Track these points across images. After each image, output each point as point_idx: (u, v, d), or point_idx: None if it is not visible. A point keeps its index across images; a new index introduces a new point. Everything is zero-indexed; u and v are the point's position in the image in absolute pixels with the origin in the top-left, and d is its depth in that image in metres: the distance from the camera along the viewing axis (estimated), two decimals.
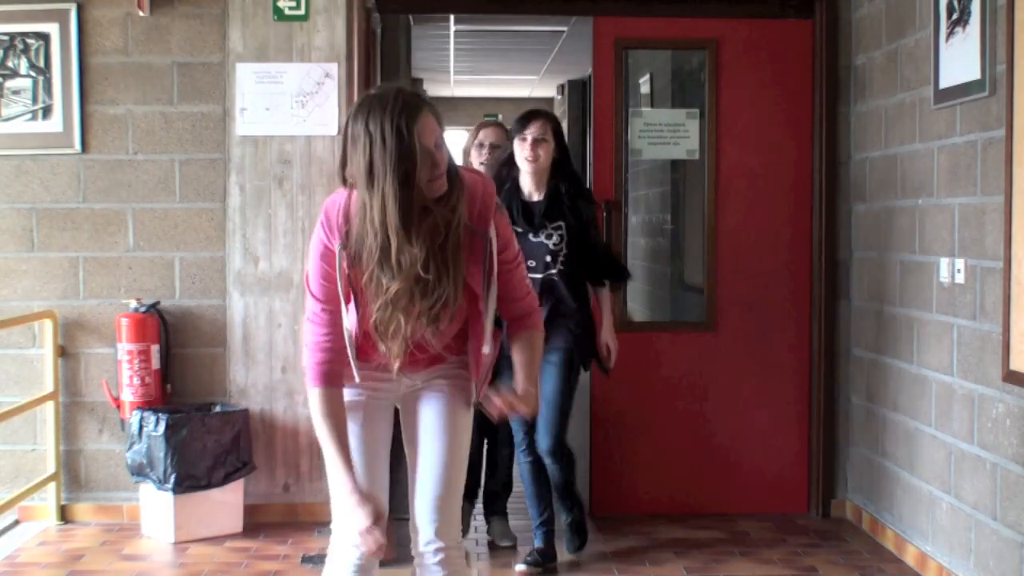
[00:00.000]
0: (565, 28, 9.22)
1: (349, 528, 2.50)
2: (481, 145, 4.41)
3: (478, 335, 2.58)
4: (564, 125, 13.39)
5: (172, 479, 4.43)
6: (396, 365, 2.51)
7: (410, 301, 2.40)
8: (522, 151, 4.12)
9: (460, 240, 2.42)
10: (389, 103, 2.34)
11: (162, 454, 4.43)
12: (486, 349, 2.57)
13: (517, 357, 2.65)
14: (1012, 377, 3.47)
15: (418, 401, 2.69)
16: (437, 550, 2.61)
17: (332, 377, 2.50)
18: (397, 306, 2.40)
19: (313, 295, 2.50)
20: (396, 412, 2.78)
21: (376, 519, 2.45)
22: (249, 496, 4.71)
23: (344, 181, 2.44)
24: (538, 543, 4.21)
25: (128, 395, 4.63)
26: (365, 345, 2.55)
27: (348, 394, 2.59)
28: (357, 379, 2.56)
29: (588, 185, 4.85)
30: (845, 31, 4.86)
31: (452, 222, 2.40)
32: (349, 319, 2.51)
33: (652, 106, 5.75)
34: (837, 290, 4.92)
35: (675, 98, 6.03)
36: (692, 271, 5.64)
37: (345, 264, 2.43)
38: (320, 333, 2.50)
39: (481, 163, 4.26)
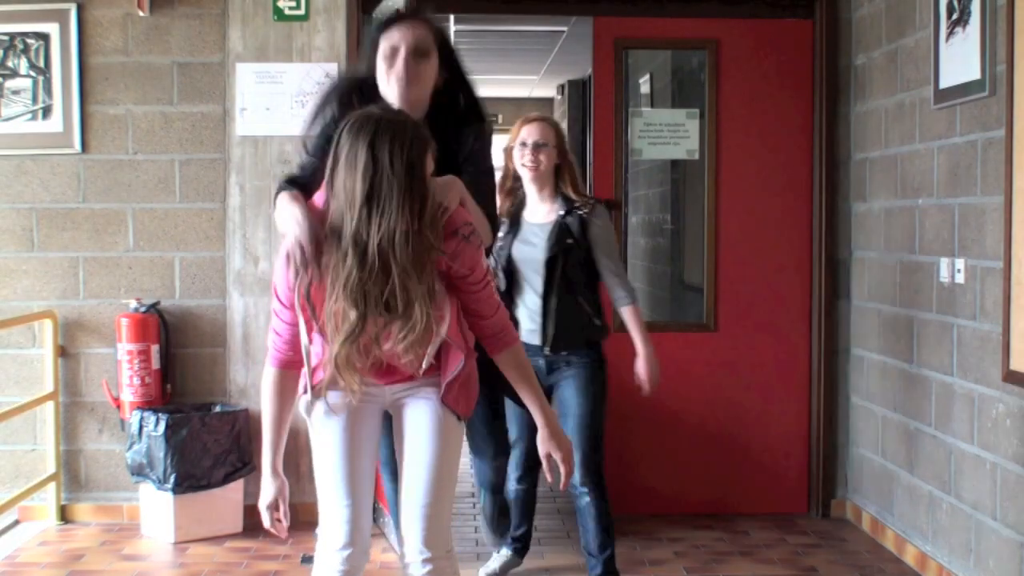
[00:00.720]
0: (565, 28, 9.22)
1: (262, 501, 2.60)
2: (524, 144, 3.86)
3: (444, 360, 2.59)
4: (564, 125, 13.40)
5: (172, 479, 4.43)
6: (355, 388, 2.47)
7: (376, 339, 2.39)
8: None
9: (434, 271, 2.39)
10: (398, 131, 2.29)
11: (162, 454, 4.43)
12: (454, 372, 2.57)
13: (518, 387, 2.64)
14: (1012, 377, 3.47)
15: (406, 408, 2.64)
16: (425, 560, 2.56)
17: (290, 364, 2.55)
18: (371, 343, 2.39)
19: (279, 299, 2.51)
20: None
21: (276, 500, 2.59)
22: (249, 496, 4.70)
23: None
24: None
25: (128, 395, 4.64)
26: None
27: (333, 395, 2.57)
28: (305, 404, 2.58)
29: (589, 190, 4.74)
30: (845, 31, 4.86)
31: (431, 254, 2.36)
32: (313, 345, 2.50)
33: (652, 106, 5.76)
34: (837, 290, 4.93)
35: (675, 98, 6.03)
36: (692, 271, 5.64)
37: (309, 282, 2.42)
38: (284, 329, 2.53)
39: (523, 164, 3.84)
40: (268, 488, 2.59)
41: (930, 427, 4.10)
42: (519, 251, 3.83)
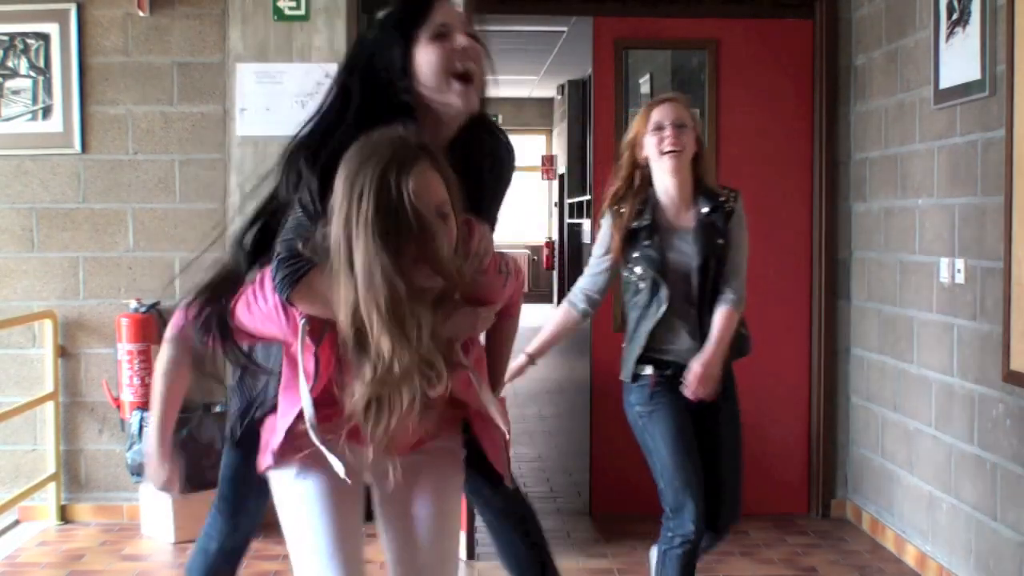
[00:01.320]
0: (565, 28, 9.23)
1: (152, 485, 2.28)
2: (660, 127, 3.20)
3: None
4: (564, 125, 13.39)
5: None
6: (372, 448, 2.00)
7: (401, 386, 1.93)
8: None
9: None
10: (379, 150, 1.85)
11: None
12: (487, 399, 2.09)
13: (504, 355, 2.27)
14: (1012, 377, 3.47)
15: (407, 473, 2.14)
16: None
17: (191, 342, 2.11)
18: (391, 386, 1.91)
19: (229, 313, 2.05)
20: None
21: (167, 484, 2.26)
22: None
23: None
24: None
25: (128, 395, 4.64)
26: (325, 403, 2.02)
27: (299, 473, 2.10)
28: (326, 448, 2.01)
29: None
30: (845, 31, 4.86)
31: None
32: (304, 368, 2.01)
33: None
34: (837, 290, 4.92)
35: None
36: None
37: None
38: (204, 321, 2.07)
39: (663, 151, 3.18)
40: (158, 474, 2.23)
41: (930, 427, 4.10)
42: (669, 260, 3.21)
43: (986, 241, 3.65)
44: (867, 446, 4.73)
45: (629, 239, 3.22)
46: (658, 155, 3.21)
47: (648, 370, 3.25)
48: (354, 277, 1.83)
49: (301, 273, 1.92)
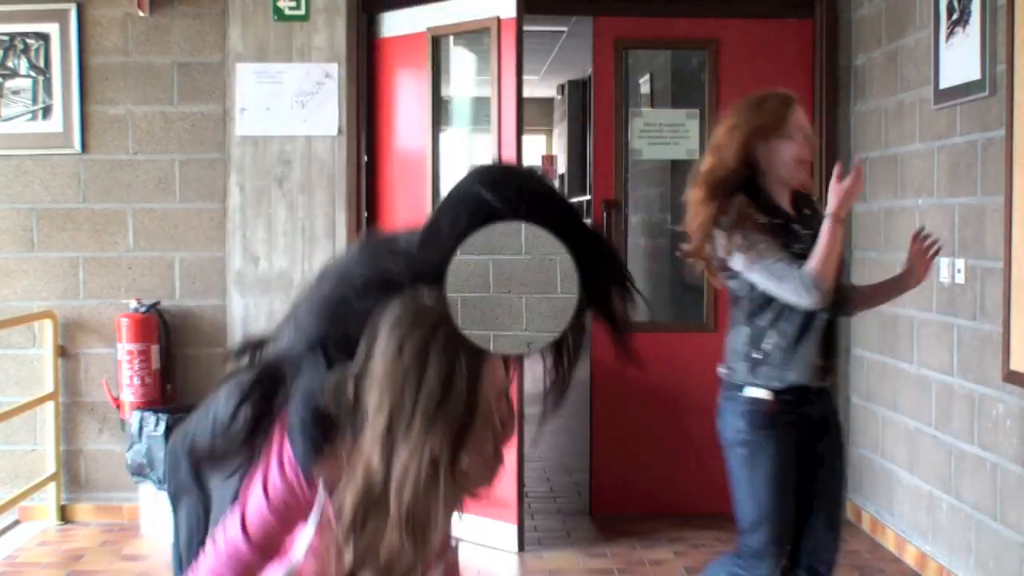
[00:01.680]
0: (565, 28, 9.23)
1: None
2: (804, 134, 2.94)
3: None
4: (564, 125, 13.36)
5: None
6: None
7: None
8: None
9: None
10: (443, 327, 1.61)
11: (162, 454, 4.43)
12: None
13: None
14: (1012, 377, 3.47)
15: None
16: None
17: None
18: None
19: (246, 530, 1.73)
20: None
21: None
22: None
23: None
24: None
25: (128, 395, 4.64)
26: None
27: None
28: None
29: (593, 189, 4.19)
30: (845, 31, 4.86)
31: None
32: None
33: (652, 106, 5.75)
34: None
35: (675, 98, 6.03)
36: (692, 271, 5.62)
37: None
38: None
39: (802, 160, 2.93)
40: None
41: (930, 427, 4.10)
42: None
43: (986, 241, 3.65)
44: (867, 446, 4.73)
45: (776, 235, 2.86)
46: (796, 164, 2.89)
47: (764, 393, 2.84)
48: (387, 460, 1.58)
49: (327, 439, 1.67)
